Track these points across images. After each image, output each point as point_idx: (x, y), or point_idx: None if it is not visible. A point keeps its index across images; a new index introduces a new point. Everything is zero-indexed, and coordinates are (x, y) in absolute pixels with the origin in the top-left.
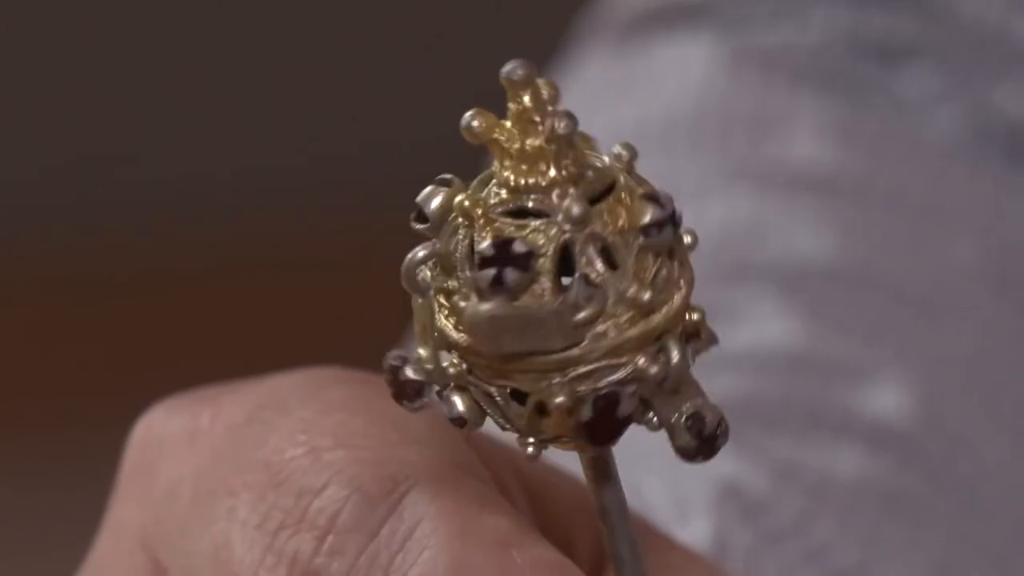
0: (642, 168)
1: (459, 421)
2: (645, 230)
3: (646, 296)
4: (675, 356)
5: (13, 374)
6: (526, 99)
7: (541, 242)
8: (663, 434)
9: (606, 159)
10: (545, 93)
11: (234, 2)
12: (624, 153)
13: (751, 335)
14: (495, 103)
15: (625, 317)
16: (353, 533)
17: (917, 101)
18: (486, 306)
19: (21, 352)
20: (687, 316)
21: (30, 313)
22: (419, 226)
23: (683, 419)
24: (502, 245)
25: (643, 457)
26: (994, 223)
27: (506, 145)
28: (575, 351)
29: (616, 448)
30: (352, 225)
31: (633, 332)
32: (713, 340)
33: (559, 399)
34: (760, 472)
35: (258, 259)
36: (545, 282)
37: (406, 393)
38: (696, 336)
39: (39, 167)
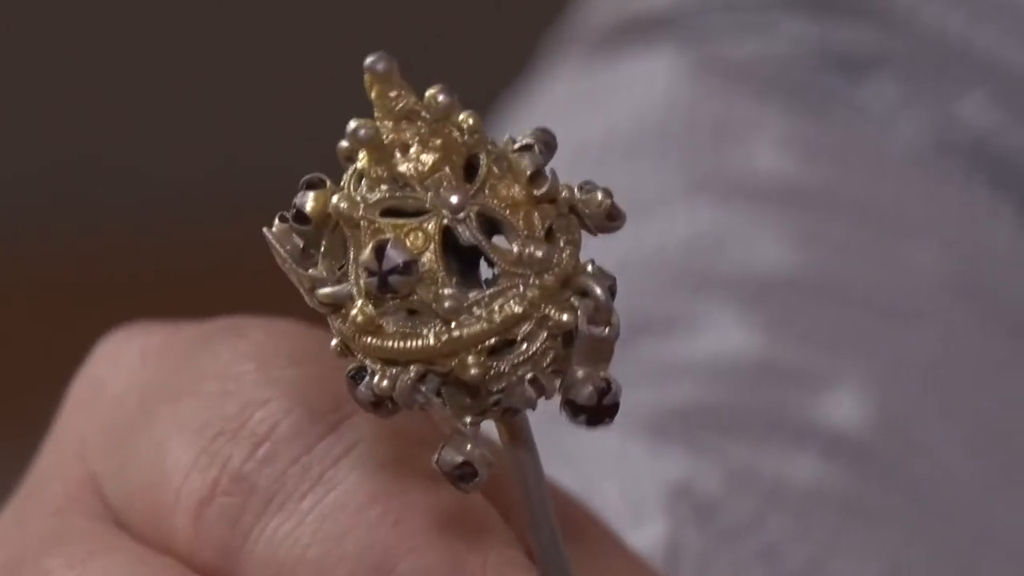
0: (606, 179)
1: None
2: (533, 179)
3: (539, 254)
4: (598, 291)
5: (11, 373)
6: (392, 92)
7: (420, 242)
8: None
9: (459, 135)
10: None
11: (234, 1)
12: (472, 122)
13: (712, 344)
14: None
15: (523, 283)
16: (290, 443)
17: (880, 112)
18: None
19: (18, 350)
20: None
21: (27, 312)
22: (300, 227)
23: (598, 379)
24: (380, 255)
25: (598, 461)
26: (956, 233)
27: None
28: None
29: (570, 454)
30: None
31: (532, 294)
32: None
33: (473, 371)
34: (714, 474)
35: (257, 259)
36: (436, 272)
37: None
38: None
39: (37, 166)
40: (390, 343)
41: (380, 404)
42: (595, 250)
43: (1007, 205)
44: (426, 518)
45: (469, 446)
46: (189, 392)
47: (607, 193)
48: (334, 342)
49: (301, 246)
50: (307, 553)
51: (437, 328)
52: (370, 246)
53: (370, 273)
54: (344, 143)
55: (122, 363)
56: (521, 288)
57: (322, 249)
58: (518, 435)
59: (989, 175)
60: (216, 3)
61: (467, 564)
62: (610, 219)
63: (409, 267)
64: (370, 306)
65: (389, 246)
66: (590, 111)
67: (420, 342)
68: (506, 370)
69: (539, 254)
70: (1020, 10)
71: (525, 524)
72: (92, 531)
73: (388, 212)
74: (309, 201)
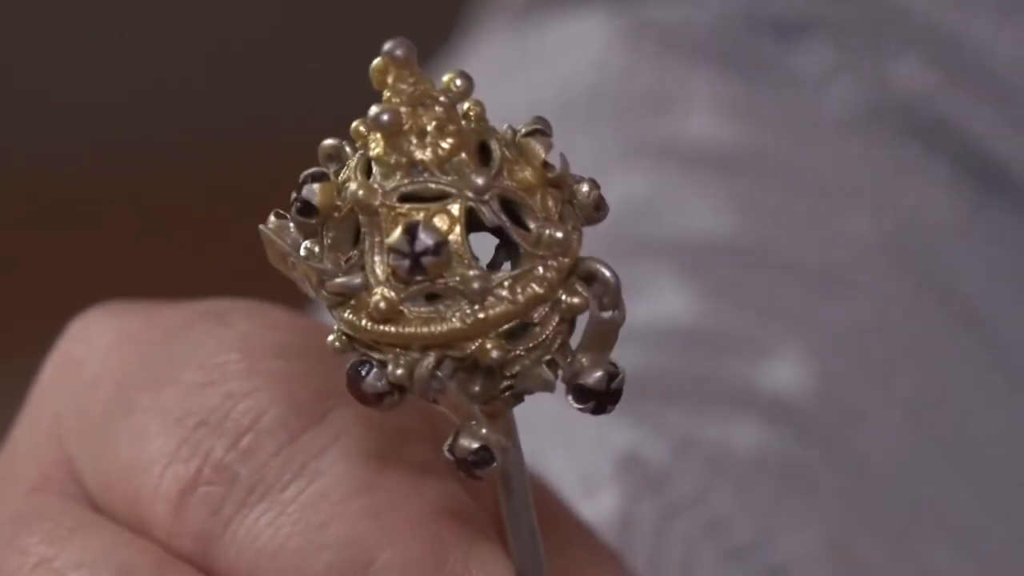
0: None
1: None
2: (546, 164)
3: (559, 235)
4: (607, 275)
5: None
6: (410, 78)
7: (446, 225)
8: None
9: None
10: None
11: None
12: (478, 109)
13: (649, 310)
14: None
15: (543, 264)
16: (273, 434)
17: (813, 76)
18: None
19: None
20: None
21: None
22: (305, 220)
23: (606, 364)
24: (412, 237)
25: (546, 432)
26: (889, 199)
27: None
28: (503, 307)
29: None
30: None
31: (551, 275)
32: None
33: (494, 355)
34: (660, 443)
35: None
36: (462, 255)
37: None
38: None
39: None
40: (412, 328)
41: (387, 395)
42: None
43: (941, 169)
44: (409, 511)
45: (484, 430)
46: (171, 381)
47: (594, 184)
48: (332, 337)
49: (300, 241)
50: (287, 543)
51: (463, 310)
52: (400, 228)
53: (401, 255)
54: (328, 141)
55: (99, 344)
56: (542, 270)
57: (327, 242)
58: (509, 430)
59: (923, 139)
60: None
61: (449, 558)
62: (596, 210)
63: (440, 247)
64: (392, 292)
65: (420, 228)
66: (519, 76)
67: (445, 326)
68: (522, 353)
69: (559, 235)
70: None
71: (506, 520)
72: (69, 510)
73: (405, 199)
74: (316, 193)
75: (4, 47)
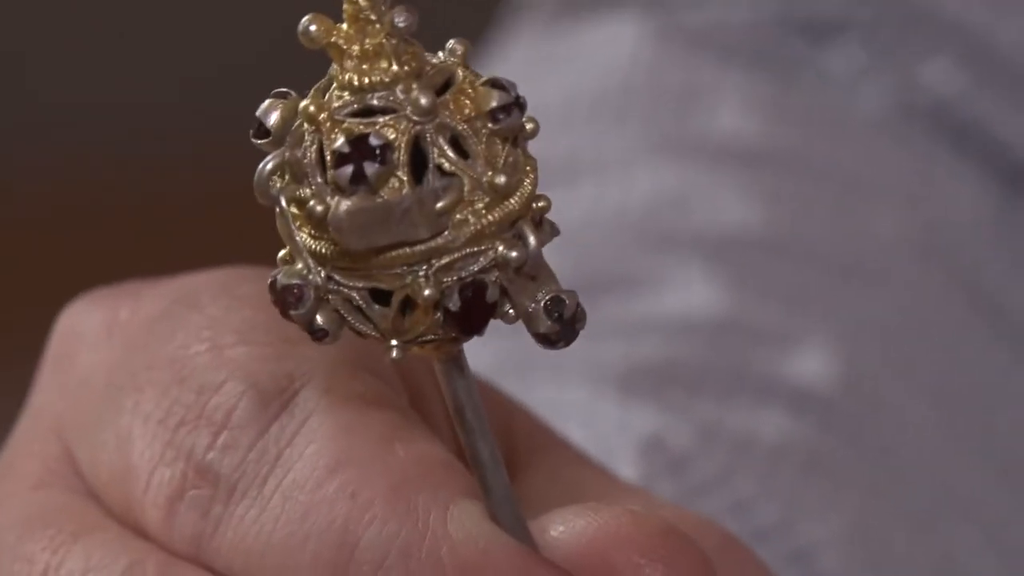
0: (567, 140)
1: (320, 333)
2: (493, 114)
3: (501, 180)
4: (532, 241)
5: None
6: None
7: (392, 136)
8: (587, 394)
9: (441, 55)
10: None
11: None
12: (459, 48)
13: (676, 302)
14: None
15: (483, 203)
16: (246, 429)
17: (844, 77)
18: (347, 203)
19: None
20: (534, 204)
21: None
22: (260, 141)
23: (542, 304)
24: (357, 141)
25: (566, 414)
26: (918, 196)
27: (345, 47)
28: (439, 240)
29: (537, 406)
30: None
31: (492, 217)
32: (555, 231)
33: (427, 292)
34: (684, 429)
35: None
36: (401, 175)
37: (289, 302)
38: (540, 225)
39: None
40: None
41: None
42: (557, 209)
43: (969, 170)
44: (383, 483)
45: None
46: (148, 381)
47: (535, 123)
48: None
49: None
50: (273, 539)
51: (391, 231)
52: (343, 136)
53: (343, 161)
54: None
55: (89, 339)
56: (479, 208)
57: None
58: (458, 370)
59: (951, 140)
60: None
61: (430, 524)
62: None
63: (386, 154)
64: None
65: (368, 136)
66: (551, 75)
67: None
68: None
69: (500, 180)
70: None
71: (464, 451)
72: (73, 510)
73: (355, 116)
74: (275, 110)
75: (6, 48)
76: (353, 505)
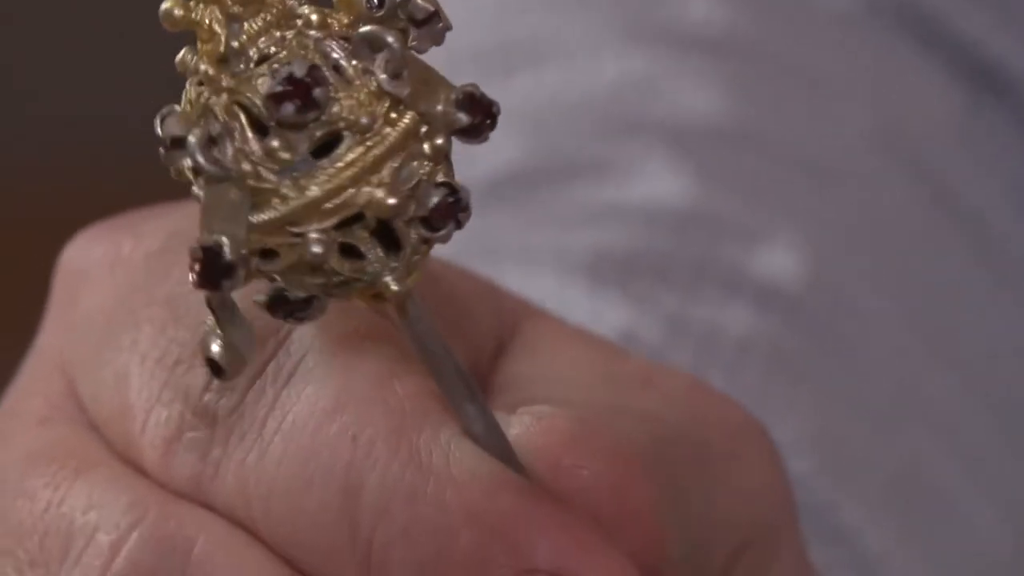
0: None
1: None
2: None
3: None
4: (391, 41)
5: None
6: None
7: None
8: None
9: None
10: None
11: None
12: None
13: (643, 190)
14: None
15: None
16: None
17: None
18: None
19: None
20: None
21: None
22: (176, 151)
23: (453, 101)
24: (287, 76)
25: (536, 295)
26: (883, 93)
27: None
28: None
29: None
30: None
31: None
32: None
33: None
34: (654, 323)
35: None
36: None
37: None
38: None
39: None
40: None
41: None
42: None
43: (935, 67)
44: (383, 424)
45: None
46: (147, 319)
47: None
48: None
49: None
50: (276, 483)
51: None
52: (266, 76)
53: (280, 100)
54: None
55: (91, 275)
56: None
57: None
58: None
59: (918, 36)
60: None
61: (433, 466)
62: (429, 24)
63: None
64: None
65: (291, 65)
66: None
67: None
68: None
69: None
70: None
71: (444, 395)
72: (76, 446)
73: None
74: (171, 115)
75: (6, 48)
76: (355, 448)
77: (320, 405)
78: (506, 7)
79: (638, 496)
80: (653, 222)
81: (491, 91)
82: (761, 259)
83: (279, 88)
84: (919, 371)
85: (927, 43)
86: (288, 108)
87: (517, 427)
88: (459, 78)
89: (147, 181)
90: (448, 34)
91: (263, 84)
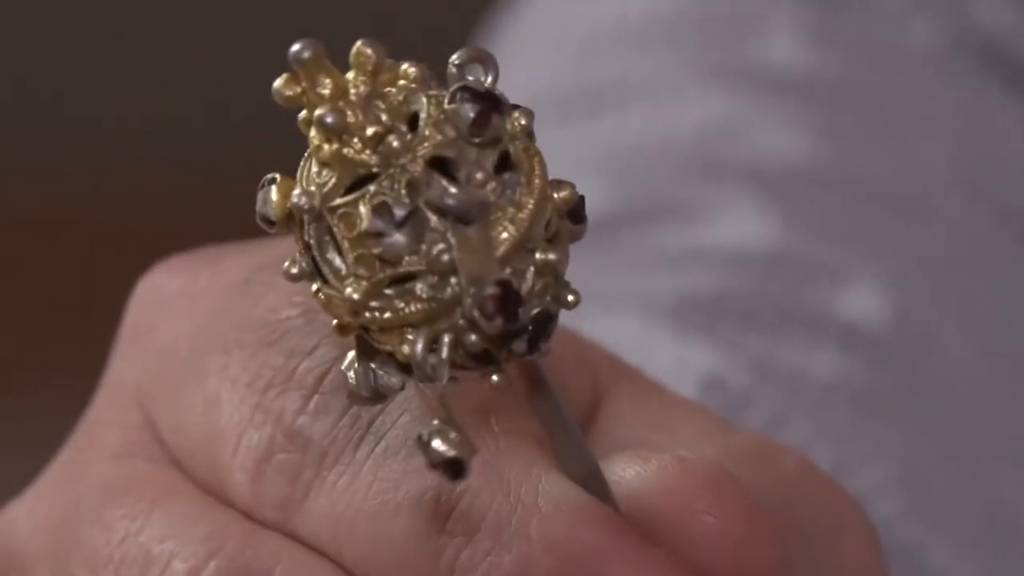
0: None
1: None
2: (474, 125)
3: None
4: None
5: None
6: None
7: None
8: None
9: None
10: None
11: None
12: (413, 72)
13: (725, 233)
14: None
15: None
16: (339, 393)
17: (894, 11)
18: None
19: None
20: (555, 195)
21: None
22: (271, 229)
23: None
24: (387, 213)
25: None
26: (967, 131)
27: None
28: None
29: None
30: None
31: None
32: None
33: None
34: (739, 367)
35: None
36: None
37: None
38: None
39: None
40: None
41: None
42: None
43: (1018, 108)
44: (477, 456)
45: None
46: (236, 343)
47: (528, 113)
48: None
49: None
50: (364, 507)
51: (431, 283)
52: (368, 211)
53: (379, 236)
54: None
55: (169, 308)
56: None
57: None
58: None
59: (1001, 77)
60: None
61: (521, 497)
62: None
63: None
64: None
65: (390, 203)
66: (600, 2)
67: (422, 305)
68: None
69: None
70: None
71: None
72: (154, 478)
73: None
74: (271, 202)
75: (6, 48)
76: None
77: (414, 433)
78: (589, 50)
79: (766, 555)
80: (738, 265)
81: (575, 135)
82: (847, 300)
83: (381, 224)
84: (1005, 410)
85: (1009, 84)
86: (393, 242)
87: (644, 465)
88: (542, 122)
89: (147, 181)
90: (531, 77)
91: (365, 216)
